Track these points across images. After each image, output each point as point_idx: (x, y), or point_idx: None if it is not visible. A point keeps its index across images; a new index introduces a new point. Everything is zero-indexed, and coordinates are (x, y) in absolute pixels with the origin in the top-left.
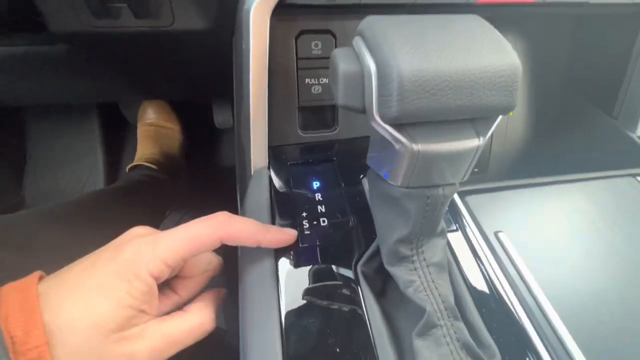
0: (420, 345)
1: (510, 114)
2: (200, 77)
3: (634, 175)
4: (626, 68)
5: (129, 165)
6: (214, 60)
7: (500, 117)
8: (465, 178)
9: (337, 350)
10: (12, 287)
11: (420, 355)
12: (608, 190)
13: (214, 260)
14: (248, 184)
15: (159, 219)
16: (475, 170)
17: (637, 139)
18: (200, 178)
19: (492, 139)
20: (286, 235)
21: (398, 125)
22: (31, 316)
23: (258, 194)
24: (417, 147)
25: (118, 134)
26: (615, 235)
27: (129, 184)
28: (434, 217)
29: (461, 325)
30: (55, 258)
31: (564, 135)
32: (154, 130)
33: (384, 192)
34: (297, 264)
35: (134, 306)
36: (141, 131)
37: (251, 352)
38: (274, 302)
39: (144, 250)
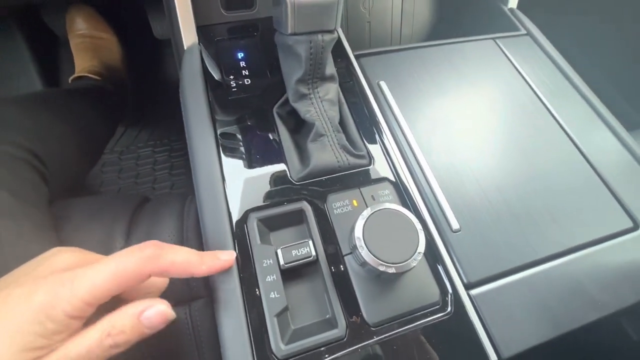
0: (312, 146)
1: None
2: None
3: (494, 39)
4: None
5: (72, 77)
6: None
7: None
8: (337, 26)
9: (257, 157)
10: None
11: (311, 152)
12: (473, 50)
13: (157, 284)
14: (183, 57)
15: (111, 131)
16: None
17: (505, 9)
18: (147, 91)
19: (401, 23)
20: (222, 262)
21: None
22: None
23: (191, 65)
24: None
25: (50, 51)
26: (476, 87)
27: (81, 87)
28: (318, 60)
29: (341, 135)
30: None
31: (461, 19)
32: (90, 42)
33: (283, 44)
34: (228, 114)
35: (45, 345)
36: (74, 44)
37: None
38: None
39: (61, 292)
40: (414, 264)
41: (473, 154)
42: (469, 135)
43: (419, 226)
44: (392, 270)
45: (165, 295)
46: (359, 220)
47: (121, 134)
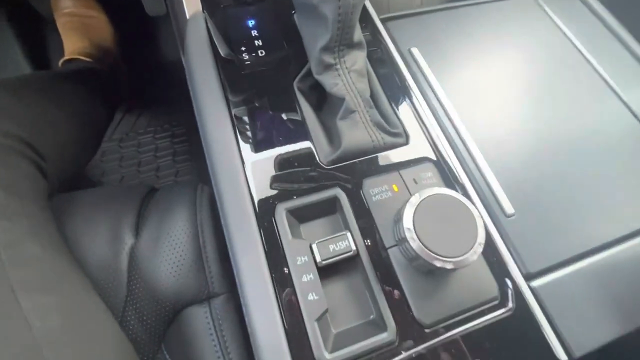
0: (342, 124)
1: None
2: None
3: None
4: None
5: (62, 60)
6: None
7: None
8: None
9: (280, 139)
10: None
11: (342, 131)
12: (510, 10)
13: None
14: (185, 29)
15: (109, 117)
16: None
17: None
18: (143, 74)
19: None
20: None
21: None
22: None
23: (197, 36)
24: None
25: (37, 34)
26: (515, 50)
27: (73, 70)
28: (347, 22)
29: (374, 111)
30: None
31: None
32: (78, 21)
33: (304, 4)
34: (243, 92)
35: None
36: (61, 23)
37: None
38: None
39: None
40: (474, 258)
41: (520, 125)
42: (514, 104)
43: (476, 213)
44: (450, 266)
45: (182, 293)
46: (408, 209)
47: (119, 121)
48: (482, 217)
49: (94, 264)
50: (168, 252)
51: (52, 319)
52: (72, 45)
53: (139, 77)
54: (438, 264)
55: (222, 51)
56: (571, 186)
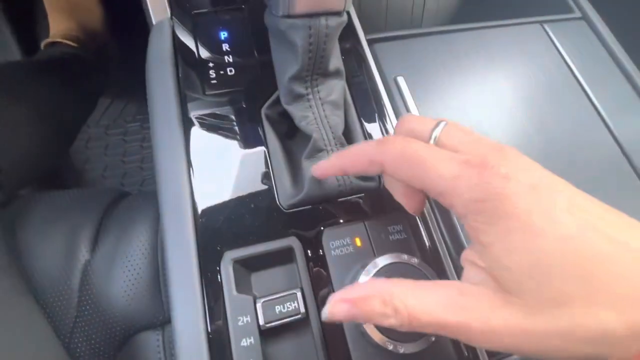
0: (307, 164)
1: None
2: None
3: (541, 23)
4: None
5: (44, 42)
6: None
7: None
8: (348, 5)
9: (239, 175)
10: None
11: (306, 173)
12: (513, 36)
13: None
14: (149, 37)
15: (86, 111)
16: None
17: None
18: (133, 59)
19: None
20: None
21: None
22: None
23: (159, 48)
24: None
25: (25, 12)
26: (513, 81)
27: (49, 58)
28: (320, 52)
29: None
30: None
31: None
32: (65, 1)
33: (274, 28)
34: (203, 116)
35: None
36: (48, 2)
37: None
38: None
39: None
40: (432, 340)
41: None
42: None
43: None
44: (402, 350)
45: (134, 318)
46: (362, 277)
47: (107, 106)
48: None
49: (43, 280)
50: (124, 271)
51: None
52: (57, 26)
53: (127, 62)
54: (389, 347)
55: (185, 66)
56: None
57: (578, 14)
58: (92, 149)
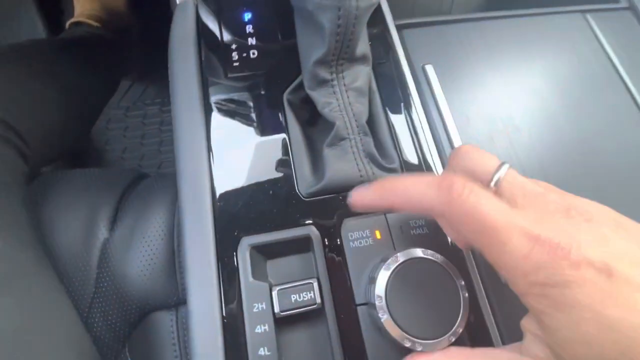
0: (328, 152)
1: None
2: None
3: (582, 12)
4: None
5: (69, 21)
6: None
7: None
8: None
9: (259, 161)
10: None
11: (327, 161)
12: (551, 26)
13: None
14: (173, 17)
15: (110, 90)
16: None
17: None
18: (156, 41)
19: None
20: None
21: None
22: None
23: (183, 28)
24: None
25: None
26: (548, 73)
27: (73, 37)
28: (348, 34)
29: (369, 139)
30: None
31: None
32: None
33: (302, 8)
34: (225, 99)
35: None
36: None
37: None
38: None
39: None
40: (453, 340)
41: (540, 172)
42: (537, 143)
43: (464, 292)
44: (420, 348)
45: (150, 297)
46: (382, 272)
47: (127, 88)
48: (469, 283)
49: (65, 255)
50: (141, 252)
51: (8, 320)
52: (82, 6)
53: (150, 44)
54: (407, 344)
55: (208, 48)
56: None
57: (624, 4)
58: (112, 130)
